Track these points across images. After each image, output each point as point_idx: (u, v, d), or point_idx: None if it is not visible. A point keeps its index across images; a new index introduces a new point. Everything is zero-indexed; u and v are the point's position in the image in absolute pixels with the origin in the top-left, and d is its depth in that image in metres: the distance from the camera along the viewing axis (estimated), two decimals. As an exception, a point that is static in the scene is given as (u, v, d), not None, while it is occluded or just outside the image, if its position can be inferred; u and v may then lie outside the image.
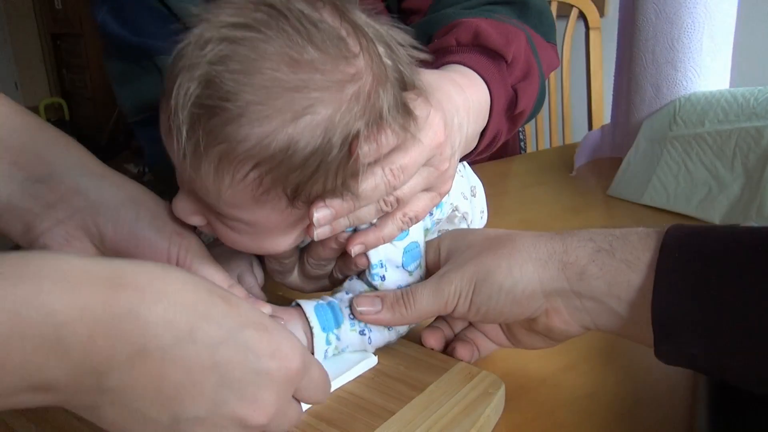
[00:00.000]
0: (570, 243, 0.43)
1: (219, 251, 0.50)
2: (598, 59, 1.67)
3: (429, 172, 0.46)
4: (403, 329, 0.50)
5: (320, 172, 0.39)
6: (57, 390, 0.30)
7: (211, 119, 0.37)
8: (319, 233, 0.44)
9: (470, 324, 0.51)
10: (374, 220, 0.46)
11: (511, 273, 0.44)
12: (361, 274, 0.50)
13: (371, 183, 0.42)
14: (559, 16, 1.67)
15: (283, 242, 0.45)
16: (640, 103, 0.93)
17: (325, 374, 0.42)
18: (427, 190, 0.47)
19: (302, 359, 0.37)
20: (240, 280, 0.52)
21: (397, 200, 0.45)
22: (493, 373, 0.47)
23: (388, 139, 0.41)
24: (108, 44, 0.77)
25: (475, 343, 0.50)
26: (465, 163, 0.61)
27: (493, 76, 0.57)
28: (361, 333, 0.48)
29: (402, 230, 0.47)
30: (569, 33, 1.71)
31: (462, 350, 0.50)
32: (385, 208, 0.45)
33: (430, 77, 0.48)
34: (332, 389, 0.46)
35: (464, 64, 0.57)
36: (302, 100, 0.37)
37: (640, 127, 0.91)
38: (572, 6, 1.68)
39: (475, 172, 0.62)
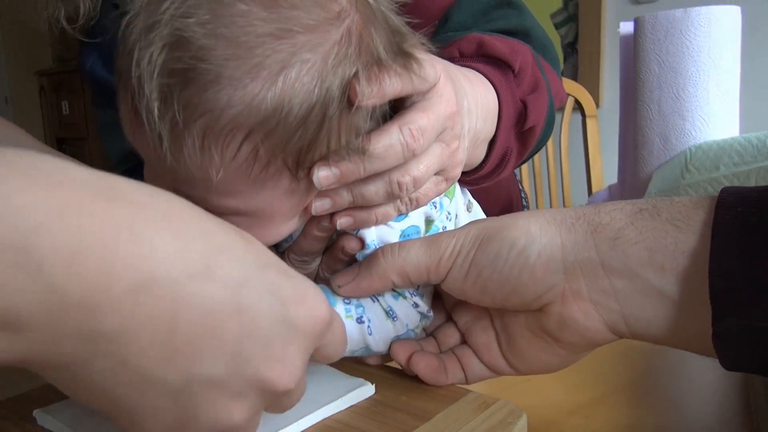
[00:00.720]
0: (603, 206, 0.36)
1: None
2: (596, 146, 1.68)
3: (441, 149, 0.40)
4: (410, 319, 0.42)
5: (323, 130, 0.34)
6: (29, 329, 0.22)
7: (186, 87, 0.32)
8: (318, 206, 0.38)
9: (463, 342, 0.43)
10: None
11: (529, 230, 0.36)
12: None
13: (386, 141, 0.37)
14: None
15: (287, 228, 0.39)
16: (648, 155, 0.90)
17: (344, 327, 0.34)
18: (435, 173, 0.41)
19: (329, 308, 0.30)
20: None
21: (414, 181, 0.39)
22: (512, 403, 0.40)
23: (390, 80, 0.36)
24: (96, 92, 0.75)
25: (462, 363, 0.42)
26: (471, 199, 0.56)
27: (500, 82, 0.53)
28: (359, 320, 0.41)
29: (399, 212, 0.41)
30: (566, 120, 1.73)
31: (421, 361, 0.40)
32: (396, 192, 0.39)
33: (431, 57, 0.44)
34: (319, 418, 0.38)
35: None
36: (287, 46, 0.33)
37: (648, 182, 0.87)
38: (568, 95, 1.70)
39: None
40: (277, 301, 0.27)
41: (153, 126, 0.32)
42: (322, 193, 0.38)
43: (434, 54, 0.42)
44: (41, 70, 4.42)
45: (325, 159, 0.36)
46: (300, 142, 0.34)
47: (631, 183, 0.98)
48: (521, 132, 0.56)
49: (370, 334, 0.41)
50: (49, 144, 4.80)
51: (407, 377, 0.43)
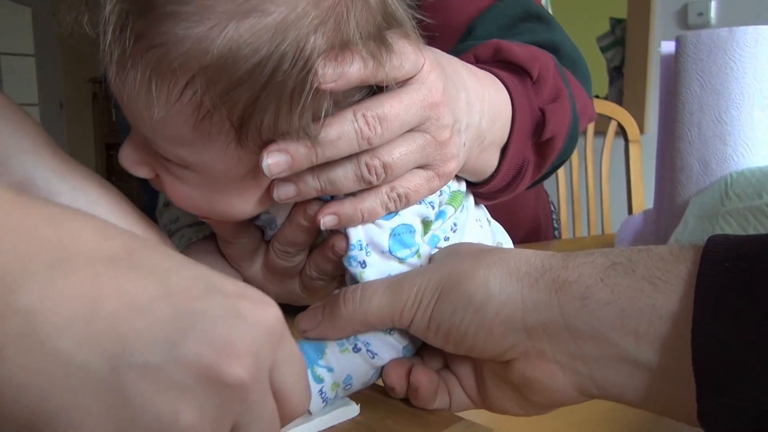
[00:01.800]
0: (572, 258, 0.32)
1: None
2: (638, 172, 1.63)
3: (425, 140, 0.38)
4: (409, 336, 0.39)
5: (270, 92, 0.32)
6: None
7: (141, 17, 0.31)
8: (281, 192, 0.36)
9: (446, 366, 0.40)
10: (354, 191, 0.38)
11: (487, 285, 0.33)
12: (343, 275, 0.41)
13: (337, 128, 0.34)
14: (597, 131, 1.65)
15: (240, 203, 0.37)
16: (686, 180, 0.85)
17: (303, 360, 0.30)
18: (423, 167, 0.39)
19: (279, 312, 0.27)
20: None
21: (384, 167, 0.36)
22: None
23: (353, 65, 0.33)
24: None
25: (447, 386, 0.38)
26: (489, 217, 0.53)
27: (515, 88, 0.50)
28: (356, 349, 0.37)
29: (388, 210, 0.38)
30: (608, 145, 1.68)
31: (421, 375, 0.37)
32: (366, 175, 0.36)
33: (432, 49, 0.42)
34: (295, 437, 0.36)
35: None
36: None
37: (685, 208, 0.82)
38: (611, 119, 1.65)
39: None
40: (216, 291, 0.25)
41: (106, 47, 0.32)
42: (286, 178, 0.36)
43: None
44: (95, 77, 4.55)
45: (275, 140, 0.34)
46: (245, 96, 0.32)
47: (668, 209, 0.93)
48: (539, 143, 0.53)
49: (373, 357, 0.38)
50: (99, 150, 4.95)
51: (394, 399, 0.40)
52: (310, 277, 0.43)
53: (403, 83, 0.37)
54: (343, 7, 0.33)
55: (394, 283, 0.36)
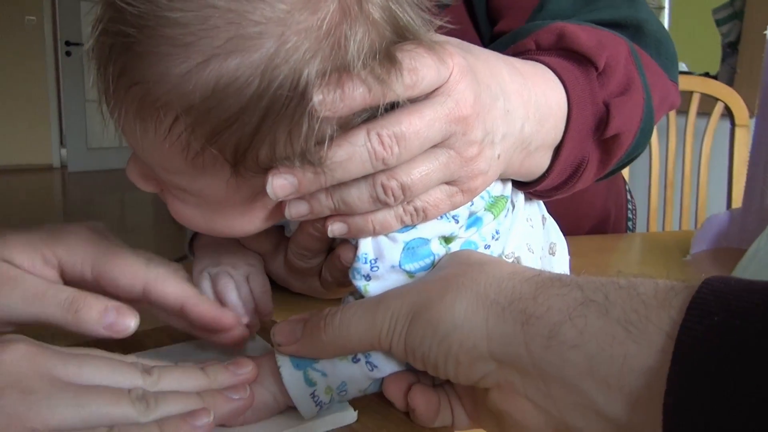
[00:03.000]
0: (545, 287, 0.29)
1: (225, 248, 0.44)
2: (742, 159, 1.49)
3: (449, 157, 0.35)
4: None
5: (264, 128, 0.30)
6: None
7: (123, 52, 0.30)
8: (293, 211, 0.34)
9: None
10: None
11: (453, 314, 0.30)
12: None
13: (347, 149, 0.32)
14: (700, 112, 1.52)
15: (242, 223, 0.36)
16: (780, 181, 0.76)
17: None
18: (447, 183, 0.36)
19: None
20: (246, 281, 0.44)
21: (402, 188, 0.34)
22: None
23: (353, 89, 0.31)
24: None
25: (450, 403, 0.36)
26: (546, 215, 0.49)
27: (575, 80, 0.45)
28: (354, 360, 0.36)
29: (403, 223, 0.36)
30: (711, 127, 1.55)
31: (418, 396, 0.35)
32: (382, 197, 0.34)
33: (467, 45, 0.38)
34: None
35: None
36: (235, 26, 0.29)
37: (777, 212, 0.74)
38: (717, 100, 1.52)
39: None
40: None
41: (96, 81, 0.32)
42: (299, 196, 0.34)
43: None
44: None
45: (278, 161, 0.32)
46: (237, 135, 0.30)
47: (757, 210, 0.84)
48: (603, 139, 0.48)
49: (372, 370, 0.36)
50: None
51: (393, 406, 0.38)
52: (326, 280, 0.42)
53: (427, 95, 0.34)
54: (341, 33, 0.30)
55: (371, 306, 0.34)
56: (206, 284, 0.44)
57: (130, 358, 0.37)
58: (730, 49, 2.15)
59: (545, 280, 0.30)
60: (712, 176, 1.56)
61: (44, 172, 6.23)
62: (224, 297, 0.43)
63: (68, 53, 5.88)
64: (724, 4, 2.18)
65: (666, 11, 2.33)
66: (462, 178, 0.36)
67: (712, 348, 0.22)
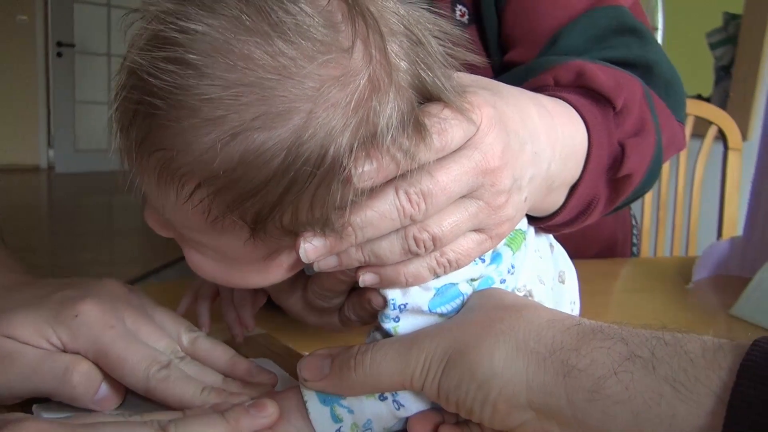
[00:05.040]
0: (588, 339, 0.29)
1: None
2: (735, 183, 1.51)
3: (478, 207, 0.35)
4: None
5: (287, 199, 0.30)
6: None
7: (147, 118, 0.30)
8: (322, 265, 0.34)
9: None
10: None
11: (492, 360, 0.30)
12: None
13: (378, 208, 0.32)
14: (694, 134, 1.54)
15: (258, 279, 0.36)
16: (783, 212, 0.77)
17: None
18: (475, 230, 0.36)
19: None
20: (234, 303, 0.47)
21: (433, 239, 0.34)
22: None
23: (381, 164, 0.31)
24: None
25: None
26: (553, 242, 0.50)
27: (595, 119, 0.46)
28: (382, 398, 0.36)
29: (435, 275, 0.36)
30: (705, 151, 1.56)
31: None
32: (414, 248, 0.34)
33: (496, 86, 0.38)
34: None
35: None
36: (263, 105, 0.29)
37: (779, 242, 0.75)
38: (711, 123, 1.54)
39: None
40: None
41: (118, 141, 0.32)
42: None
43: (481, 66, 0.36)
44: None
45: (302, 229, 0.32)
46: (257, 206, 0.30)
47: (760, 239, 0.85)
48: (615, 178, 0.49)
49: (399, 409, 0.36)
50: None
51: None
52: (348, 318, 0.42)
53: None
54: (370, 106, 0.30)
55: (404, 346, 0.34)
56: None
57: (144, 416, 0.36)
58: (724, 72, 2.18)
59: (587, 331, 0.30)
60: (704, 201, 1.57)
61: (31, 172, 6.17)
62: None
63: (59, 54, 5.84)
64: (717, 28, 2.21)
65: (660, 33, 2.36)
66: (490, 225, 0.36)
67: (766, 415, 0.22)
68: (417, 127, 0.32)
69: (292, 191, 0.30)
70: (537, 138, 0.39)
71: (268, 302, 0.48)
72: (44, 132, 6.33)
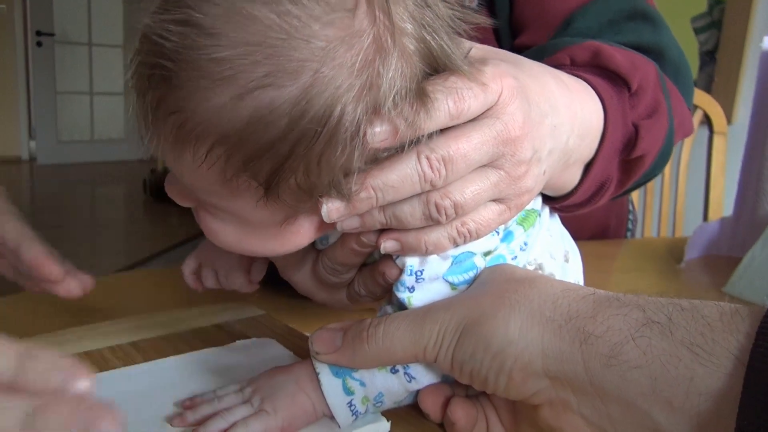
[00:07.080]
0: (604, 306, 0.29)
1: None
2: (720, 166, 1.52)
3: (499, 177, 0.35)
4: None
5: (296, 158, 0.31)
6: None
7: (162, 82, 0.30)
8: (345, 225, 0.35)
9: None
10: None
11: (507, 329, 0.30)
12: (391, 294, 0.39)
13: (399, 172, 0.33)
14: (680, 117, 1.55)
15: (274, 245, 0.36)
16: (773, 191, 0.78)
17: None
18: (496, 200, 0.36)
19: None
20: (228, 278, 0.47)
21: (454, 206, 0.34)
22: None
23: (383, 127, 0.31)
24: None
25: (485, 414, 0.36)
26: (559, 223, 0.50)
27: (611, 98, 0.46)
28: (393, 370, 0.36)
29: (455, 244, 0.36)
30: (690, 136, 1.57)
31: (459, 410, 0.36)
32: (435, 215, 0.34)
33: (518, 59, 0.38)
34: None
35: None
36: (272, 64, 0.29)
37: (769, 221, 0.76)
38: (696, 107, 1.55)
39: None
40: None
41: (136, 109, 0.32)
42: None
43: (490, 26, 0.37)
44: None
45: (314, 192, 0.33)
46: (269, 164, 0.31)
47: (749, 219, 0.86)
48: (627, 160, 0.49)
49: (410, 381, 0.36)
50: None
51: (425, 417, 0.38)
52: (357, 293, 0.42)
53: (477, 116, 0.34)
54: (374, 68, 0.31)
55: (417, 318, 0.34)
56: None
57: None
58: (708, 57, 2.19)
59: (602, 299, 0.30)
60: (690, 184, 1.59)
61: (12, 164, 6.09)
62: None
63: (39, 43, 5.74)
64: (702, 13, 2.23)
65: (645, 18, 2.37)
66: (510, 195, 0.36)
67: None
68: (420, 96, 0.32)
69: (299, 149, 0.30)
70: (557, 111, 0.39)
71: (267, 282, 0.48)
72: (25, 123, 6.24)
